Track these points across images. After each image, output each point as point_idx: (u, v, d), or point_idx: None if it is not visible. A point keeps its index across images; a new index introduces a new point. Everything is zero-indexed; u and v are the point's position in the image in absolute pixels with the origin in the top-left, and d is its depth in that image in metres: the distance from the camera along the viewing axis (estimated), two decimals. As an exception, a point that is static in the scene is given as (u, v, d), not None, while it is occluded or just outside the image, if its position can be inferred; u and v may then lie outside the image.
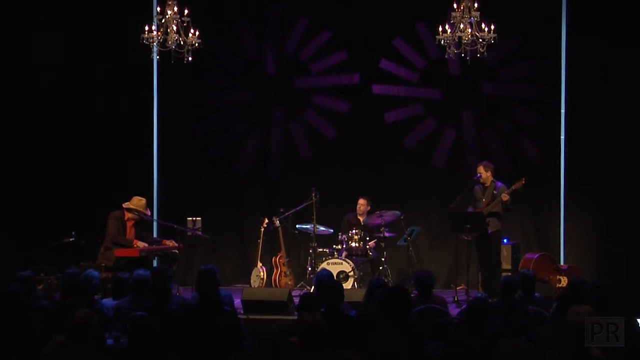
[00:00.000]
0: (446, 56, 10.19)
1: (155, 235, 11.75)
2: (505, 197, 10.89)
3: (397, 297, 6.37)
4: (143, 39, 10.05)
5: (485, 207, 11.00)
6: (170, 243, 10.83)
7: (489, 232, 10.96)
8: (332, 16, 12.71)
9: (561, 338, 5.40)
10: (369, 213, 11.90)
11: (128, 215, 10.58)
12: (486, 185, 11.16)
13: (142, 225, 10.84)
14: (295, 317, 7.00)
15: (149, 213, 10.80)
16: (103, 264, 10.25)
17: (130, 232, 10.63)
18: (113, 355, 6.16)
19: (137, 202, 10.60)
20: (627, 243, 11.57)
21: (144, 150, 12.92)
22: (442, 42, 9.94)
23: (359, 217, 11.94)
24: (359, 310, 7.05)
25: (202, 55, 10.56)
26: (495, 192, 11.09)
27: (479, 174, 11.12)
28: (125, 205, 10.54)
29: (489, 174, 11.14)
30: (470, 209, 11.15)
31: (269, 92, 12.99)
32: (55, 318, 6.50)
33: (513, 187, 10.97)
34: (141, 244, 10.38)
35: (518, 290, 7.68)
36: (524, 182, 10.97)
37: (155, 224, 12.37)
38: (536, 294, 8.06)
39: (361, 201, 11.92)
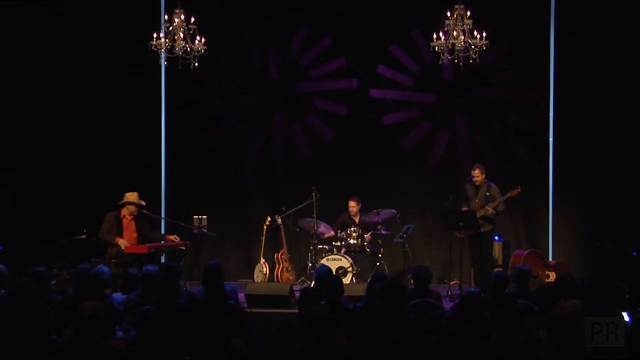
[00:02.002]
0: (440, 62, 10.20)
1: (163, 232, 11.78)
2: (495, 206, 10.90)
3: (394, 291, 6.38)
4: (152, 45, 10.09)
5: (480, 210, 11.00)
6: (173, 237, 10.90)
7: (482, 230, 10.98)
8: (331, 24, 12.70)
9: (550, 331, 5.39)
10: (362, 211, 11.89)
11: (124, 212, 10.74)
12: (479, 185, 11.16)
13: (144, 220, 10.94)
14: (297, 311, 7.00)
15: (144, 203, 10.88)
16: (113, 260, 10.32)
17: (130, 226, 10.76)
18: (123, 347, 6.15)
19: (129, 195, 10.80)
20: (612, 240, 11.56)
21: (153, 151, 12.92)
22: (436, 49, 9.95)
23: (353, 218, 11.95)
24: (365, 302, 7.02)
25: (207, 61, 10.57)
26: (488, 193, 11.09)
27: (474, 176, 11.11)
28: (120, 202, 10.75)
29: (483, 176, 11.16)
30: (465, 207, 11.16)
31: (271, 96, 12.98)
32: (68, 311, 6.50)
33: (509, 195, 10.98)
34: (122, 242, 10.47)
35: (508, 284, 7.68)
36: (519, 190, 10.98)
37: (163, 221, 12.41)
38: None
39: (351, 203, 11.92)
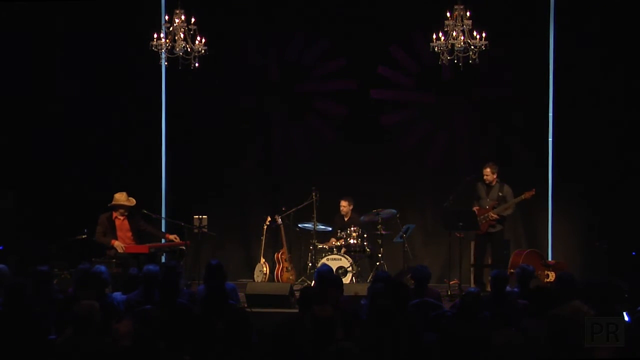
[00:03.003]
0: (440, 62, 10.16)
1: (163, 231, 11.79)
2: (503, 209, 10.90)
3: (397, 290, 6.39)
4: (152, 46, 10.09)
5: (492, 210, 11.00)
6: (173, 237, 10.89)
7: (491, 231, 11.00)
8: (331, 24, 12.68)
9: (550, 331, 5.38)
10: (362, 212, 11.89)
11: (115, 212, 10.70)
12: (491, 185, 11.16)
13: (139, 217, 10.98)
14: (297, 310, 6.99)
15: (133, 202, 10.89)
16: (113, 260, 10.35)
17: (123, 225, 10.80)
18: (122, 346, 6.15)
19: (118, 197, 10.80)
20: (610, 239, 11.57)
21: (153, 151, 12.92)
22: (436, 49, 9.94)
23: (343, 217, 11.95)
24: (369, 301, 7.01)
25: (208, 62, 10.56)
26: (500, 193, 11.09)
27: (485, 174, 11.12)
28: (109, 204, 10.76)
29: (494, 175, 11.17)
30: (476, 207, 11.16)
31: (271, 97, 12.97)
32: (68, 311, 6.50)
33: (522, 197, 11.01)
34: (118, 245, 10.48)
35: (507, 283, 7.67)
36: (534, 192, 11.00)
37: (163, 221, 12.41)
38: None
39: (343, 203, 11.93)
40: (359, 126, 12.71)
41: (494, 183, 11.17)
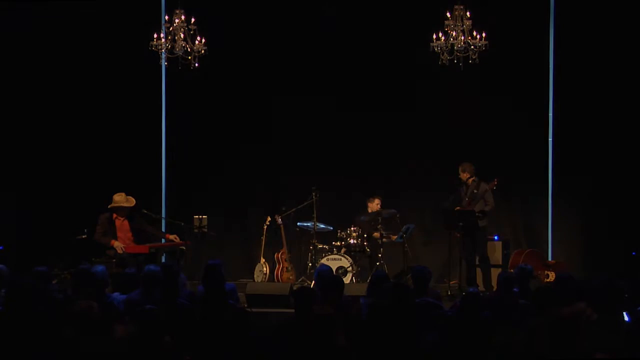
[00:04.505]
0: (440, 62, 10.17)
1: (163, 231, 11.79)
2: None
3: (400, 291, 6.39)
4: (152, 46, 10.09)
5: (467, 207, 11.02)
6: (173, 237, 10.89)
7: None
8: (331, 24, 12.67)
9: (551, 331, 5.38)
10: (363, 212, 11.90)
11: (115, 213, 10.71)
12: (468, 184, 11.18)
13: (139, 217, 10.97)
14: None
15: (132, 203, 10.86)
16: (113, 260, 10.35)
17: (123, 226, 10.79)
18: (122, 346, 6.14)
19: (117, 198, 10.79)
20: (612, 240, 11.58)
21: (153, 152, 12.93)
22: (435, 49, 9.94)
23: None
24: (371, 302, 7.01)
25: (208, 62, 10.56)
26: (475, 191, 11.10)
27: (459, 175, 11.18)
28: (109, 206, 10.74)
29: (465, 174, 11.16)
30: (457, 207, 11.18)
31: (271, 96, 12.94)
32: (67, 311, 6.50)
33: (487, 187, 10.99)
34: (118, 246, 10.47)
35: (514, 285, 7.67)
36: (496, 182, 10.98)
37: (163, 221, 12.41)
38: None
39: (377, 201, 11.92)
40: (359, 126, 12.70)
41: (469, 182, 11.17)
